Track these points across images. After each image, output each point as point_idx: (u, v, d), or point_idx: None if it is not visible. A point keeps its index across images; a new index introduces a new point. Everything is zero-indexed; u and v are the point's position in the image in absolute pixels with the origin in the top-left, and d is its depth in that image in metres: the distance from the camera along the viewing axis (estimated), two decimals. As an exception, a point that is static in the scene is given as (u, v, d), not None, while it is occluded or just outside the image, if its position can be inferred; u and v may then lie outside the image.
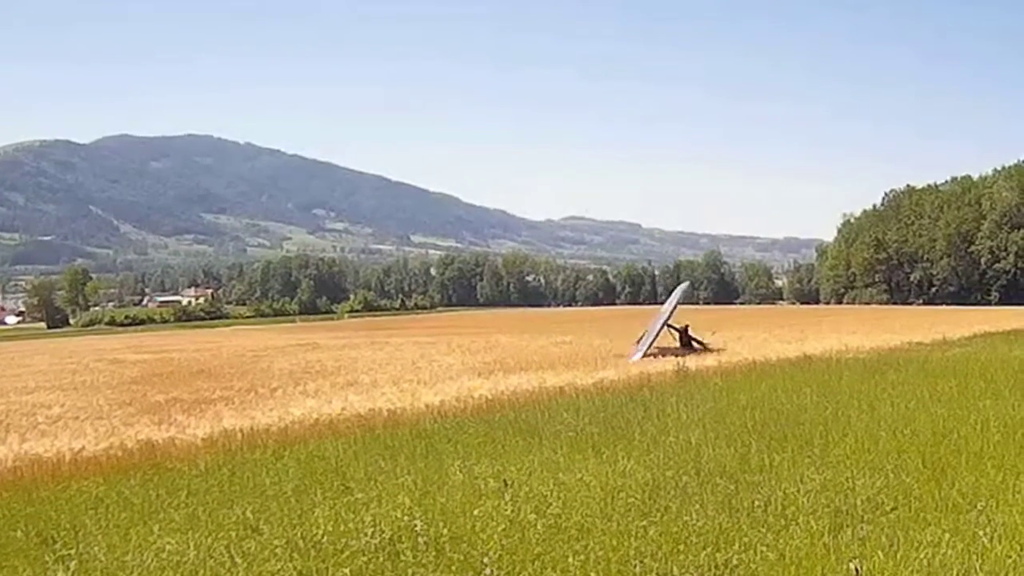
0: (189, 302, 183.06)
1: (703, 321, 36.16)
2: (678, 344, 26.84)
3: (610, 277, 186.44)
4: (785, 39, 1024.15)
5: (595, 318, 78.34)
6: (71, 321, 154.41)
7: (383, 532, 6.44)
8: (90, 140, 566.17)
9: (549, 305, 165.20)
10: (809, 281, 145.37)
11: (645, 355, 24.50)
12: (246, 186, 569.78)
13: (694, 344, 26.85)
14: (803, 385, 14.87)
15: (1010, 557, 5.53)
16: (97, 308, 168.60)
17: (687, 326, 27.56)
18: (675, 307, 29.62)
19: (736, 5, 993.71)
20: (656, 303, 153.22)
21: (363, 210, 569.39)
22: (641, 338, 27.47)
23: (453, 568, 5.71)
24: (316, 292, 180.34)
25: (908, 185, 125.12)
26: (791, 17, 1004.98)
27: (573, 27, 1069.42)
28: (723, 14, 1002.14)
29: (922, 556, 5.56)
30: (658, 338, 26.58)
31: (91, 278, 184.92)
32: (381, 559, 5.93)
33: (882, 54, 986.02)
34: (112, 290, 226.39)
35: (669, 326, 27.29)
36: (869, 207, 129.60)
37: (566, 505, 7.15)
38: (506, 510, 6.94)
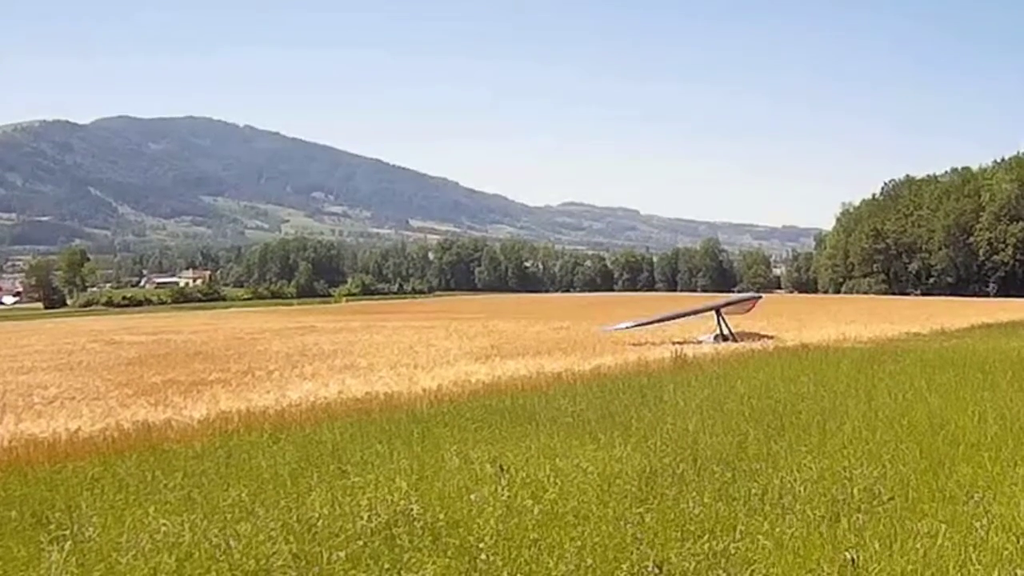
0: (187, 284, 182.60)
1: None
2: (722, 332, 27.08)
3: (608, 263, 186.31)
4: (785, 38, 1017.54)
5: (593, 304, 78.29)
6: (68, 302, 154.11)
7: (379, 516, 6.42)
8: (89, 121, 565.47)
9: (547, 291, 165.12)
10: (807, 270, 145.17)
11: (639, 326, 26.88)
12: (244, 169, 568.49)
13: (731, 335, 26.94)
14: (801, 374, 14.86)
15: (1006, 548, 5.53)
16: (95, 289, 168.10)
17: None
18: (726, 304, 29.39)
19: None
20: (654, 290, 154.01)
21: (362, 194, 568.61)
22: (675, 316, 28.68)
23: (449, 553, 5.69)
24: (314, 275, 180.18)
25: (908, 175, 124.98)
26: (792, 15, 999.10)
27: (574, 23, 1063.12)
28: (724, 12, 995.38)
29: (919, 546, 5.55)
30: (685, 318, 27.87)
31: (89, 259, 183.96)
32: (377, 543, 5.91)
33: (882, 51, 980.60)
34: (110, 271, 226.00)
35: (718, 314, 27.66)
36: (868, 197, 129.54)
37: (563, 491, 7.13)
38: (503, 495, 6.91)
